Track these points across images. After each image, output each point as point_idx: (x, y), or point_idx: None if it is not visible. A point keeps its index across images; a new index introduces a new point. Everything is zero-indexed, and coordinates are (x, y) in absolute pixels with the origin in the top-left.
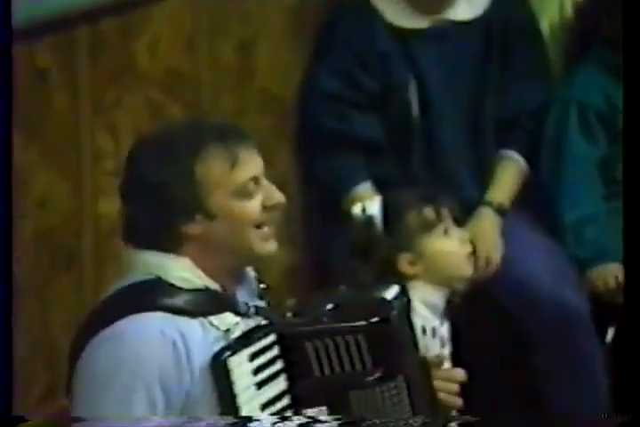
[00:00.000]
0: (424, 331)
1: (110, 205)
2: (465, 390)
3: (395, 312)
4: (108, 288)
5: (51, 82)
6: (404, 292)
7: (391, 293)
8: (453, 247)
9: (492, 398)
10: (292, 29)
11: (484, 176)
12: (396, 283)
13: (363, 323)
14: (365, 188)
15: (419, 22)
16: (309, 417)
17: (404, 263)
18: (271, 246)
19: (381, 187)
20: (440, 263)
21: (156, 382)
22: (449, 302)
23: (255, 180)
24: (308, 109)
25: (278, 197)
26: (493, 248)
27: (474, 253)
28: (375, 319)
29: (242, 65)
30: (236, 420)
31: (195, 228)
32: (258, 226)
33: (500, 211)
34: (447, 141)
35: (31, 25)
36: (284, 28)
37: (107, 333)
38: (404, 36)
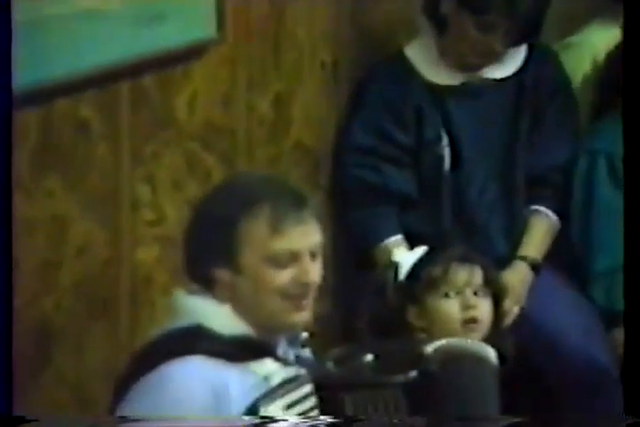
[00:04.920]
0: None
1: (147, 254)
2: None
3: (432, 366)
4: (144, 335)
5: (92, 133)
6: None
7: (432, 346)
8: (450, 311)
9: None
10: (328, 84)
11: (515, 231)
12: (407, 333)
13: (400, 378)
14: (396, 241)
15: (453, 79)
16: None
17: (412, 315)
18: (300, 317)
19: (413, 240)
20: (438, 323)
21: None
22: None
23: (293, 253)
24: (342, 162)
25: (312, 277)
26: (517, 302)
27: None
28: (413, 374)
29: (277, 118)
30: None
31: (224, 273)
32: (285, 295)
33: (534, 266)
34: (478, 197)
35: (75, 79)
36: (319, 83)
37: (150, 378)
38: (437, 92)
